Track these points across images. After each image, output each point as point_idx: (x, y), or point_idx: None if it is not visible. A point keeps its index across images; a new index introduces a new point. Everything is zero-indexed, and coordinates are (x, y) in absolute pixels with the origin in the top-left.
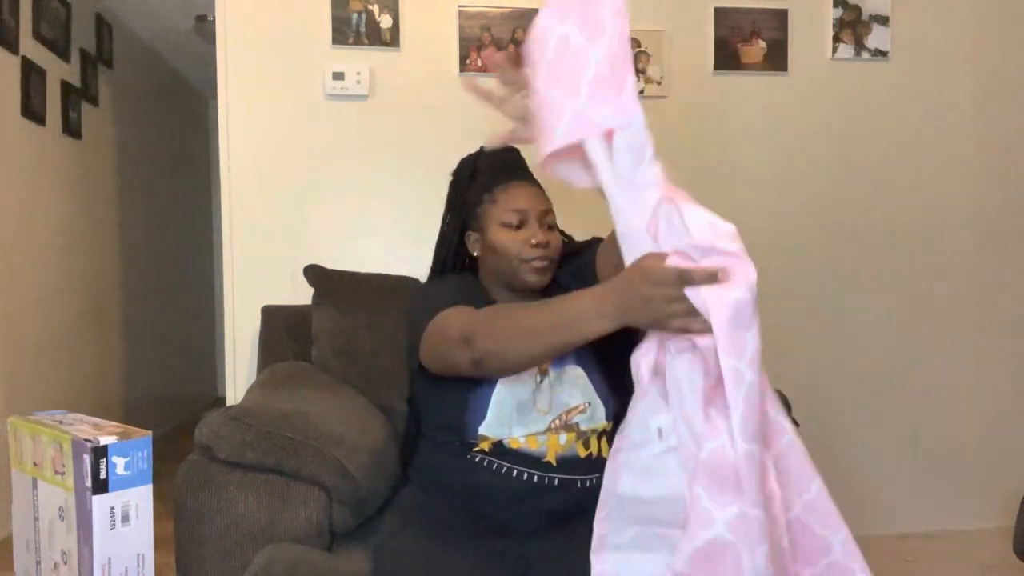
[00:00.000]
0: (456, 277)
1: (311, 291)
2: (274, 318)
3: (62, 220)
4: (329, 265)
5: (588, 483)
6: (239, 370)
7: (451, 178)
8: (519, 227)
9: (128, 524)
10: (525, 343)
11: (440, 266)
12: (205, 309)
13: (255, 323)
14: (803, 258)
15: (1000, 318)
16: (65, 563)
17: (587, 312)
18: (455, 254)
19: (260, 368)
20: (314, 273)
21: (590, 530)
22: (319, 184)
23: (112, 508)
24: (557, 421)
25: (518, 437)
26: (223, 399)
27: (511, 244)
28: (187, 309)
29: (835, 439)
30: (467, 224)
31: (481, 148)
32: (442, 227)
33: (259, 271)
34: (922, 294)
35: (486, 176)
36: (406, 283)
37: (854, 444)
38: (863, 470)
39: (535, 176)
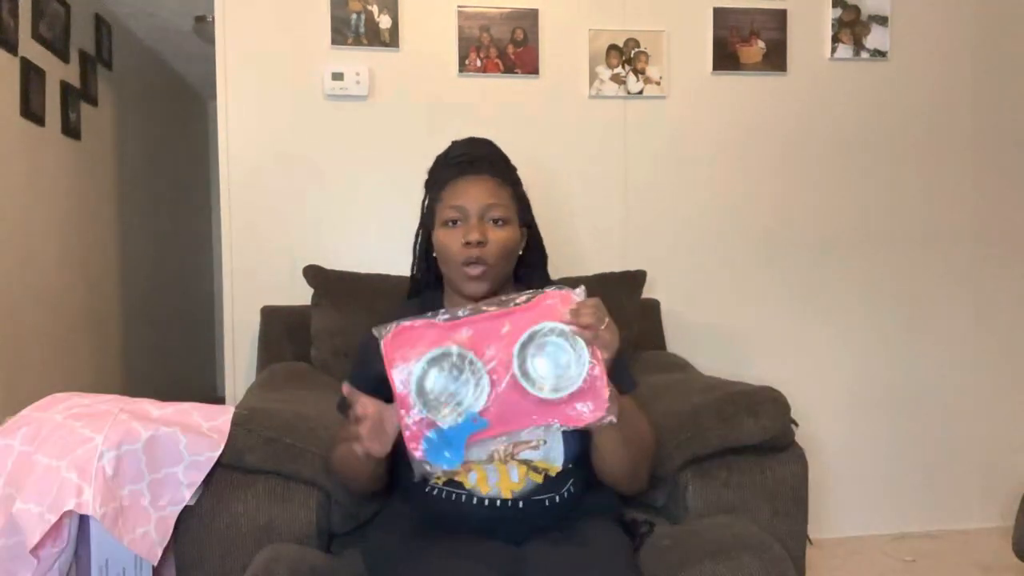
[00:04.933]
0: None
1: (310, 291)
2: (274, 318)
3: (62, 220)
4: (329, 265)
5: (557, 498)
6: (239, 370)
7: (427, 176)
8: (456, 225)
9: None
10: (354, 482)
11: (413, 274)
12: (205, 309)
13: (255, 323)
14: (802, 257)
15: (999, 318)
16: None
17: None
18: (425, 257)
19: (260, 368)
20: (313, 273)
21: (579, 538)
22: (319, 184)
23: None
24: (502, 450)
25: (467, 475)
26: (223, 399)
27: (445, 242)
28: (187, 309)
29: (835, 439)
30: (431, 225)
31: (453, 142)
32: (416, 230)
33: (259, 271)
34: (921, 294)
35: (445, 171)
36: (405, 283)
37: (853, 444)
38: (863, 470)
39: (503, 168)
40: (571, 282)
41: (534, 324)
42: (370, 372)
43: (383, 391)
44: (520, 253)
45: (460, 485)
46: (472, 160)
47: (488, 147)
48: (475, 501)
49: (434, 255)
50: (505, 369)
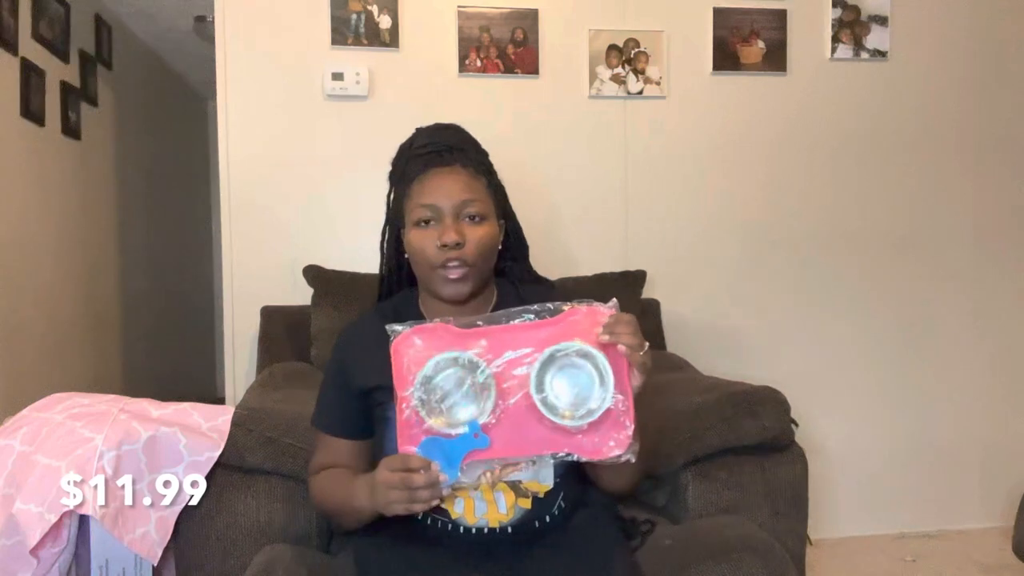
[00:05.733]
0: (351, 333)
1: (311, 291)
2: (274, 318)
3: (62, 220)
4: (329, 265)
5: (548, 518)
6: (239, 370)
7: (390, 167)
8: (430, 224)
9: None
10: (335, 517)
11: (382, 273)
12: (205, 309)
13: (255, 323)
14: (802, 258)
15: (1000, 318)
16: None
17: (362, 499)
18: (396, 260)
19: (260, 368)
20: (313, 273)
21: (577, 539)
22: (319, 184)
23: None
24: (490, 475)
25: (453, 503)
26: (223, 399)
27: (419, 245)
28: (187, 309)
29: (835, 439)
30: (400, 221)
31: (417, 130)
32: (383, 227)
33: (259, 271)
34: (922, 294)
35: (413, 163)
36: None
37: (854, 444)
38: (863, 470)
39: (475, 157)
40: (571, 282)
41: (558, 341)
42: (349, 386)
43: (359, 405)
44: (499, 247)
45: (446, 513)
46: (440, 150)
47: (457, 134)
48: (462, 530)
49: (405, 255)
50: (520, 387)
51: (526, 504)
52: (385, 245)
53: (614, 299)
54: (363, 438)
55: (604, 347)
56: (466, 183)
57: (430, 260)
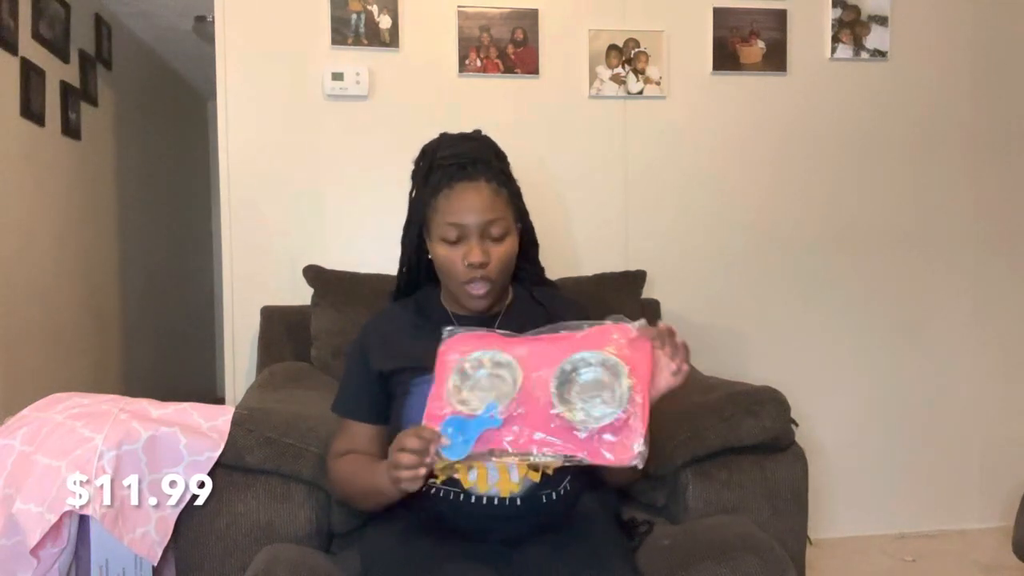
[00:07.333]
0: (373, 323)
1: (311, 291)
2: (273, 318)
3: (62, 220)
4: (328, 265)
5: (554, 495)
6: (238, 370)
7: (413, 167)
8: (457, 242)
9: None
10: (356, 501)
11: (402, 270)
12: (205, 309)
13: (255, 323)
14: (802, 257)
15: (999, 318)
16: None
17: (384, 480)
18: (416, 256)
19: (260, 368)
20: (313, 273)
21: (576, 538)
22: (319, 184)
23: None
24: (505, 458)
25: (467, 473)
26: (223, 399)
27: (447, 262)
28: (187, 309)
29: (835, 439)
30: (424, 224)
31: (442, 135)
32: (405, 224)
33: (259, 271)
34: (921, 294)
35: (438, 173)
36: None
37: (853, 444)
38: (863, 470)
39: (497, 166)
40: (571, 282)
41: (586, 350)
42: (370, 370)
43: (379, 390)
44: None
45: (458, 484)
46: (464, 163)
47: (480, 145)
48: (473, 500)
49: (428, 256)
50: (543, 390)
51: (535, 477)
52: (406, 241)
53: (643, 319)
54: (381, 423)
55: (626, 358)
56: (490, 200)
57: (457, 276)
